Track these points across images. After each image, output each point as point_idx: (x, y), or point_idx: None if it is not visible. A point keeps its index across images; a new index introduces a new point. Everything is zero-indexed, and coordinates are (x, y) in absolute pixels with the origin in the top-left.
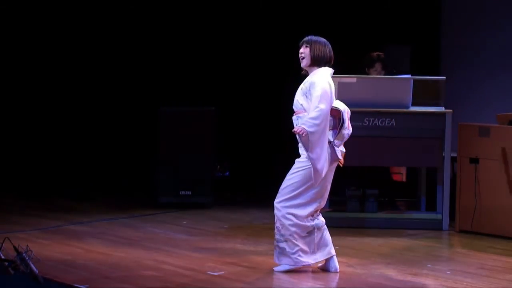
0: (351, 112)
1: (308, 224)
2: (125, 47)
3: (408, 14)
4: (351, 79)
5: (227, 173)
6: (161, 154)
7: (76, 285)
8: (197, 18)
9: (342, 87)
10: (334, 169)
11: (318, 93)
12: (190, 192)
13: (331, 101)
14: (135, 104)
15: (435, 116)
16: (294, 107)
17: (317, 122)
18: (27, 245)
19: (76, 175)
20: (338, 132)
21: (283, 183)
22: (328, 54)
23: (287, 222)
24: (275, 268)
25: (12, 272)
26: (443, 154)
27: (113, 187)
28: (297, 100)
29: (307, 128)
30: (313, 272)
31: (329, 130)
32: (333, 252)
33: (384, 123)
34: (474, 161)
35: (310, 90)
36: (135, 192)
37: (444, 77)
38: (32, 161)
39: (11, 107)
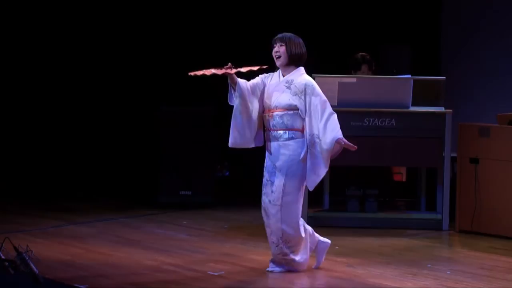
0: (351, 112)
1: (310, 228)
2: (124, 47)
3: (407, 14)
4: (351, 79)
5: (227, 173)
6: (161, 154)
7: (76, 285)
8: (196, 18)
9: (342, 87)
10: None
11: (324, 97)
12: (190, 192)
13: None
14: (135, 103)
15: (435, 116)
16: (276, 106)
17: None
18: (27, 245)
19: (76, 175)
20: None
21: (281, 192)
22: (304, 52)
23: (296, 234)
24: (270, 269)
25: (12, 272)
26: (443, 154)
27: (113, 187)
28: (289, 100)
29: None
30: (312, 272)
31: None
32: (317, 236)
33: (384, 123)
34: (474, 161)
35: (307, 91)
36: (135, 192)
37: (444, 77)
38: (32, 161)
39: (12, 107)
